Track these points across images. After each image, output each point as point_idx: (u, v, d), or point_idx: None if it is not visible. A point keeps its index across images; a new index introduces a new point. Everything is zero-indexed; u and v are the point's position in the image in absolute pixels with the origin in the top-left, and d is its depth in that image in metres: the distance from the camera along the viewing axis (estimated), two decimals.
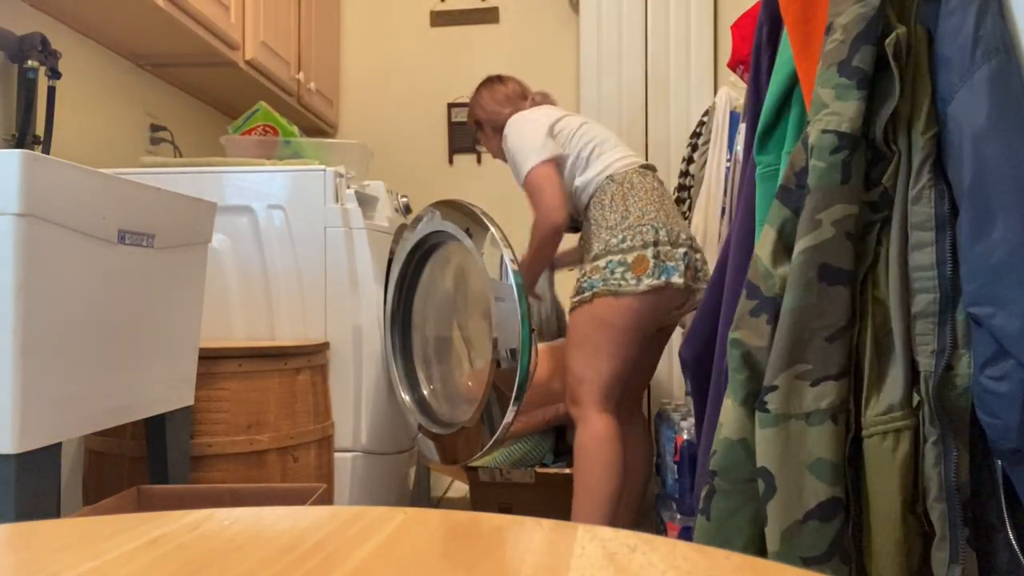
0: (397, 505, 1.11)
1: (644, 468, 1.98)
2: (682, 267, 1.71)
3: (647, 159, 2.85)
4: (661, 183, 1.88)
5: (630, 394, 1.96)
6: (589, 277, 1.74)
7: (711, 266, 1.77)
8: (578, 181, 1.85)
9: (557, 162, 1.84)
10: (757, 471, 0.86)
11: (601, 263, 1.73)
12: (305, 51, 2.79)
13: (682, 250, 1.72)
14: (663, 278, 1.68)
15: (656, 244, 1.70)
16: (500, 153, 2.03)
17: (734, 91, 2.05)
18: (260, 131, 2.28)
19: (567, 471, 2.11)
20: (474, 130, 2.19)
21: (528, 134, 1.87)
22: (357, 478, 1.85)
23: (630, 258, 1.70)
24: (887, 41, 0.84)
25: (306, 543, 0.45)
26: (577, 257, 2.05)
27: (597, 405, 1.73)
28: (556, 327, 2.28)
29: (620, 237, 1.73)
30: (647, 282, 1.68)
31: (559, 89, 3.05)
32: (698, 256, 1.77)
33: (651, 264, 1.69)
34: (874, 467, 0.83)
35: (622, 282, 1.69)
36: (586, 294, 1.73)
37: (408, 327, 2.00)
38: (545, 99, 2.12)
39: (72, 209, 1.06)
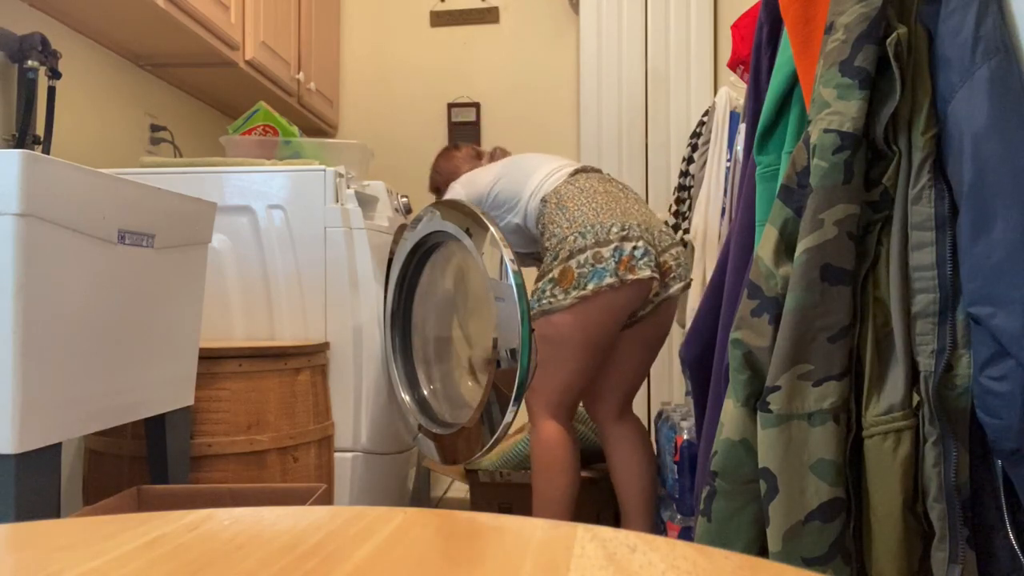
0: (397, 505, 1.11)
1: (644, 471, 1.93)
2: (612, 264, 1.68)
3: (647, 159, 2.85)
4: (603, 178, 1.86)
5: (617, 397, 1.93)
6: (532, 294, 1.78)
7: (668, 243, 1.78)
8: (518, 219, 1.91)
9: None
10: (759, 472, 0.86)
11: (538, 285, 1.78)
12: (305, 51, 2.79)
13: (612, 246, 1.69)
14: (590, 287, 1.68)
15: (583, 251, 1.70)
16: None
17: (734, 91, 2.04)
18: (260, 131, 2.28)
19: None
20: (435, 197, 2.28)
21: (477, 182, 1.99)
22: (357, 478, 1.85)
23: (556, 271, 1.72)
24: (888, 41, 0.84)
25: (306, 543, 0.45)
26: None
27: (544, 413, 1.80)
28: None
29: (552, 255, 1.76)
30: (573, 294, 1.69)
31: (559, 89, 3.06)
32: (635, 244, 1.69)
33: (575, 275, 1.69)
34: (874, 467, 0.83)
35: (552, 299, 1.72)
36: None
37: (408, 327, 1.99)
38: (503, 154, 2.20)
39: (72, 209, 1.06)
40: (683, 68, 2.83)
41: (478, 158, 2.22)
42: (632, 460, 1.92)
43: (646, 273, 1.69)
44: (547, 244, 1.79)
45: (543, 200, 1.83)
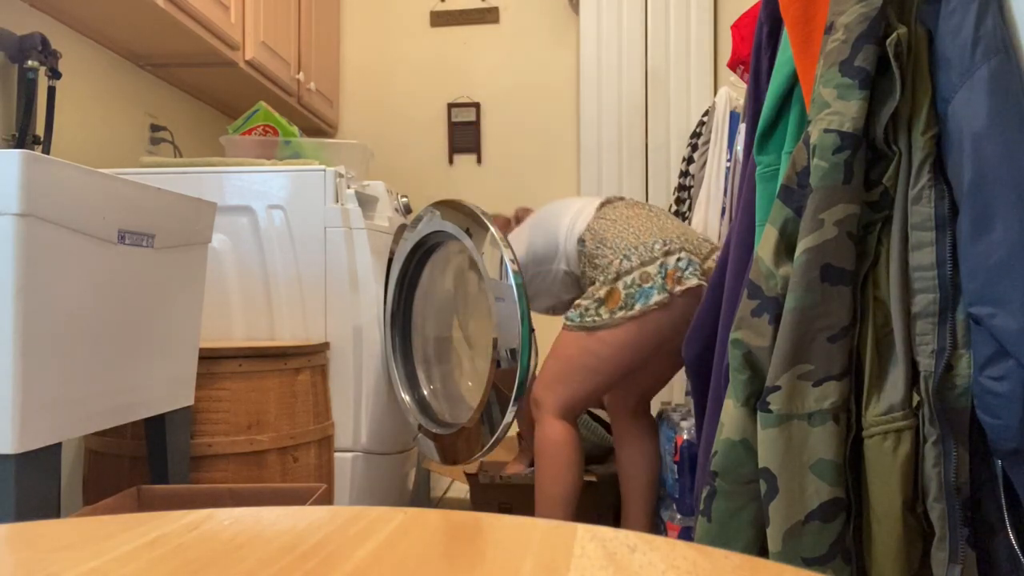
0: (397, 505, 1.11)
1: (651, 468, 1.97)
2: (660, 280, 1.69)
3: (647, 159, 2.85)
4: (629, 203, 1.87)
5: (636, 395, 1.95)
6: (572, 310, 1.76)
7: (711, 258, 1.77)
8: (564, 266, 1.88)
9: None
10: (759, 472, 0.86)
11: (583, 301, 1.75)
12: (305, 51, 2.79)
13: (657, 263, 1.70)
14: (637, 307, 1.68)
15: (630, 272, 1.70)
16: None
17: (734, 91, 2.04)
18: (260, 131, 2.28)
19: None
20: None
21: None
22: (357, 478, 1.85)
23: (603, 292, 1.72)
24: (888, 41, 0.84)
25: (306, 543, 0.45)
26: None
27: (555, 413, 1.77)
28: None
29: (600, 281, 1.75)
30: (620, 315, 1.69)
31: (559, 89, 3.06)
32: (678, 256, 1.71)
33: (622, 295, 1.69)
34: (874, 467, 0.83)
35: (596, 317, 1.71)
36: (565, 323, 1.76)
37: (408, 327, 1.99)
38: (526, 212, 2.17)
39: (72, 209, 1.06)
40: (683, 68, 2.83)
41: (505, 226, 2.18)
42: (641, 456, 1.95)
43: (694, 282, 1.70)
44: (597, 278, 1.77)
45: (580, 240, 1.82)
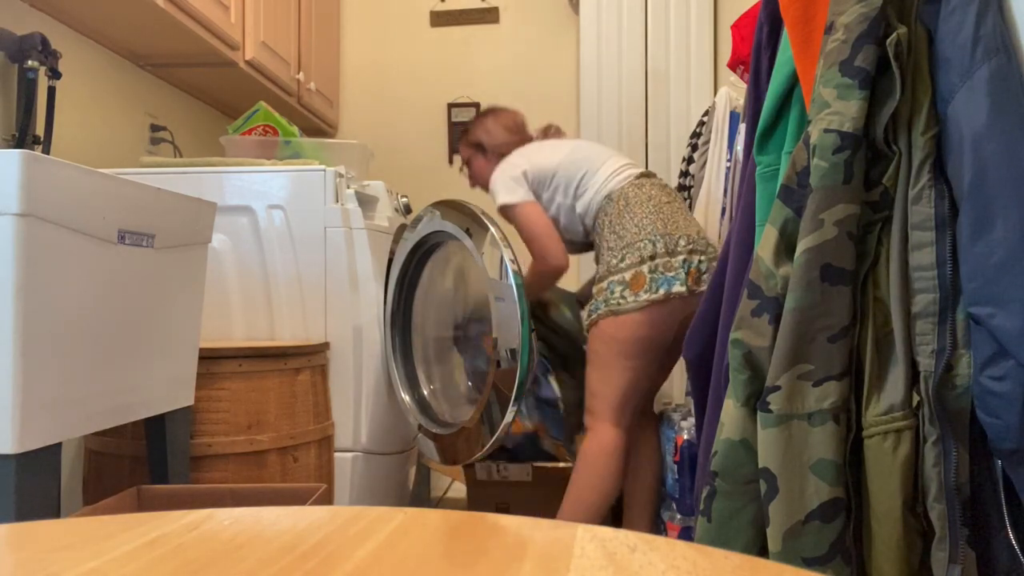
0: (397, 505, 1.11)
1: (655, 468, 1.98)
2: (683, 275, 1.73)
3: (647, 160, 2.85)
4: (663, 186, 1.88)
5: (644, 396, 1.97)
6: (595, 300, 1.78)
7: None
8: (579, 207, 1.87)
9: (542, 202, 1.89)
10: (759, 472, 0.86)
11: (604, 284, 1.77)
12: (305, 51, 2.79)
13: (681, 257, 1.74)
14: (661, 291, 1.71)
15: (653, 258, 1.72)
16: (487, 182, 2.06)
17: (734, 91, 2.04)
18: (260, 131, 2.28)
19: (561, 465, 2.11)
20: (468, 155, 2.17)
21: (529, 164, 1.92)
22: (357, 478, 1.85)
23: (628, 276, 1.74)
24: (888, 41, 0.84)
25: (306, 543, 0.45)
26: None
27: (609, 418, 1.77)
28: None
29: (619, 256, 1.76)
30: (645, 297, 1.71)
31: (559, 89, 3.05)
32: (700, 258, 1.77)
33: (647, 279, 1.71)
34: (874, 467, 0.83)
35: (621, 300, 1.73)
36: (592, 317, 1.78)
37: (408, 327, 1.99)
38: (558, 132, 2.16)
39: (72, 209, 1.06)
40: (683, 68, 2.83)
41: (525, 133, 2.16)
42: (646, 456, 1.96)
43: (705, 287, 1.75)
44: (608, 242, 1.79)
45: (608, 197, 1.83)
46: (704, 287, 1.74)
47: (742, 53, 1.72)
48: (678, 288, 1.71)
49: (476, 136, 2.13)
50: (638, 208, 1.79)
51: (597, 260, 1.88)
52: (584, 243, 1.97)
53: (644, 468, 1.95)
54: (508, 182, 1.88)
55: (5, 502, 0.98)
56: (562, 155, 1.92)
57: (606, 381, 1.76)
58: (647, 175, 1.90)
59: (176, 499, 1.36)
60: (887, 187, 0.85)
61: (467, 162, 2.17)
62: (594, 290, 1.80)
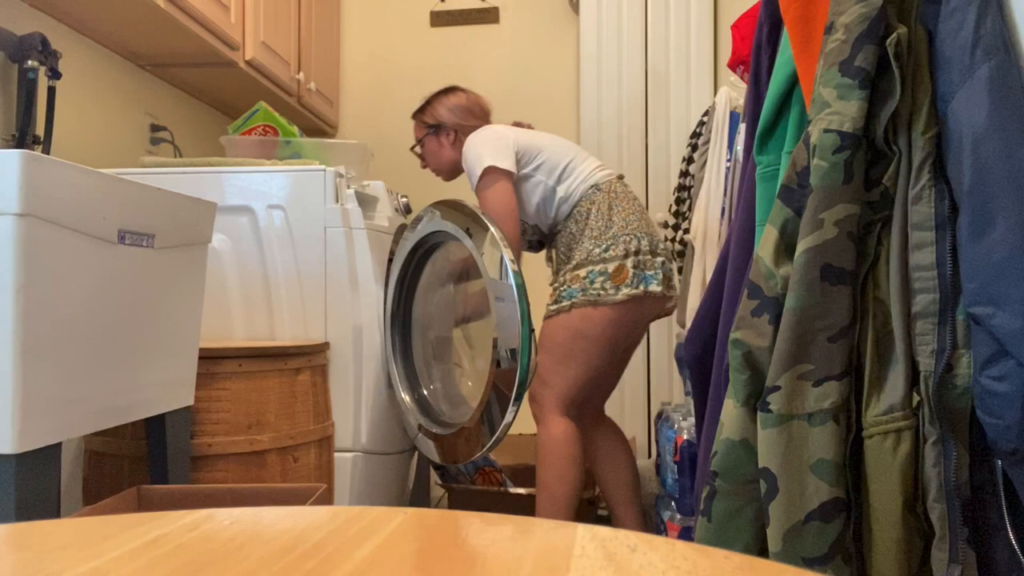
0: (397, 505, 1.11)
1: (629, 464, 1.98)
2: (660, 276, 1.76)
3: (647, 160, 2.85)
4: (629, 190, 1.93)
5: (594, 402, 1.98)
6: (569, 286, 1.77)
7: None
8: (560, 190, 1.86)
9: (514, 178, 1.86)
10: (759, 472, 0.86)
11: (582, 272, 1.77)
12: (305, 51, 2.79)
13: (660, 259, 1.78)
14: (641, 287, 1.73)
15: (637, 253, 1.75)
16: (447, 165, 2.02)
17: (734, 91, 2.04)
18: (260, 131, 2.28)
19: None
20: (422, 133, 2.07)
21: (504, 139, 1.89)
22: (357, 478, 1.85)
23: (611, 267, 1.74)
24: (888, 41, 0.84)
25: (306, 543, 0.45)
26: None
27: (557, 410, 1.79)
28: None
29: (604, 246, 1.76)
30: (625, 291, 1.72)
31: (559, 89, 3.05)
32: (670, 265, 1.83)
33: (630, 273, 1.72)
34: (874, 467, 0.83)
35: (601, 292, 1.73)
36: (564, 303, 1.77)
37: (408, 327, 1.99)
38: (529, 127, 2.14)
39: (72, 209, 1.06)
40: (683, 68, 2.83)
41: (489, 120, 2.07)
42: (617, 455, 1.97)
43: (674, 294, 1.82)
44: (593, 231, 1.79)
45: (596, 187, 1.84)
46: (673, 293, 1.80)
47: (742, 53, 1.72)
48: (655, 287, 1.74)
49: (438, 114, 2.03)
50: (626, 204, 1.82)
51: (564, 247, 1.87)
52: (536, 241, 1.99)
53: (623, 467, 1.95)
54: (501, 147, 1.84)
55: (5, 502, 0.98)
56: (547, 139, 1.93)
57: (561, 374, 1.77)
58: (622, 177, 1.95)
59: (176, 499, 1.36)
60: (887, 187, 0.85)
61: (420, 141, 2.07)
62: (568, 276, 1.79)
